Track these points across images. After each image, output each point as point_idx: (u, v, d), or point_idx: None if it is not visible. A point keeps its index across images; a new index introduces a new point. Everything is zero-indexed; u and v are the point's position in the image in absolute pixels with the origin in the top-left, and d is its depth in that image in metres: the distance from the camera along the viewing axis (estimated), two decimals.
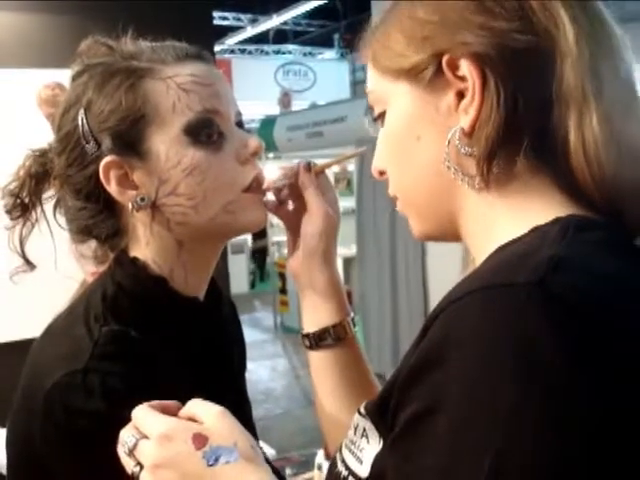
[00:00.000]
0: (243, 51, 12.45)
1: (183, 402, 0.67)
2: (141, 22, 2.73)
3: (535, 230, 0.57)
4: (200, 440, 0.60)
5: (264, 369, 6.44)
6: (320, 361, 0.88)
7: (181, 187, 0.79)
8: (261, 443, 2.46)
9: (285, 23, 11.70)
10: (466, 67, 0.58)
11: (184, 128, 0.78)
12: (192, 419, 0.64)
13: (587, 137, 0.57)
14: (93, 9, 2.88)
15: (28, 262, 0.92)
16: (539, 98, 0.57)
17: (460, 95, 0.60)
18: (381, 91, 0.67)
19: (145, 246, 0.83)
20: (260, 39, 12.32)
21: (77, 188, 0.82)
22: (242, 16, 11.56)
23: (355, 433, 0.59)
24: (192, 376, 0.81)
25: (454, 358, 0.49)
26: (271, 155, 8.31)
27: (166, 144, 0.78)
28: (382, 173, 0.71)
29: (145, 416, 0.63)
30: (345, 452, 0.60)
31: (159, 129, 0.78)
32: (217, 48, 11.59)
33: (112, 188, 0.79)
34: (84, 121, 0.79)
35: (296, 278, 0.89)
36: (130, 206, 0.79)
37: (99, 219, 0.83)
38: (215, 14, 10.48)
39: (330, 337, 0.87)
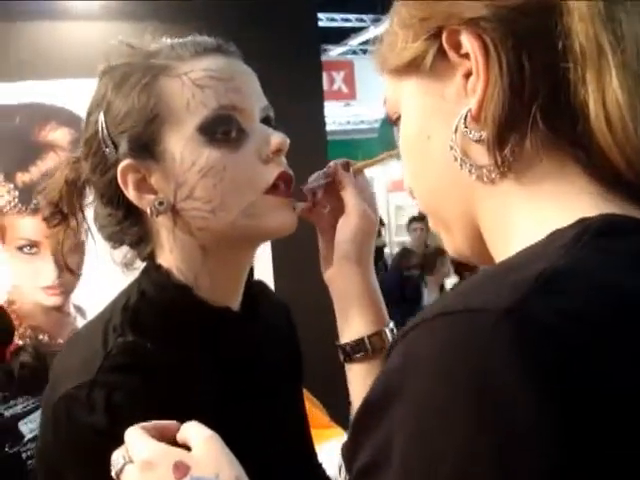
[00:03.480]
0: (365, 51, 12.41)
1: (199, 419, 0.63)
2: (243, 25, 2.77)
3: (552, 235, 0.47)
4: (181, 469, 0.57)
5: None
6: (356, 374, 0.81)
7: (197, 190, 0.74)
8: None
9: None
10: (466, 39, 0.50)
11: (198, 127, 0.74)
12: (186, 443, 0.60)
13: (608, 98, 0.47)
14: (191, 14, 2.92)
15: (71, 271, 0.92)
16: (547, 59, 0.48)
17: (468, 76, 0.52)
18: (394, 95, 0.60)
19: (169, 253, 0.79)
20: None
21: (101, 193, 0.80)
22: (364, 17, 11.55)
23: (340, 474, 0.52)
24: (214, 391, 0.76)
25: (402, 403, 0.41)
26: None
27: (181, 144, 0.74)
28: (412, 191, 0.63)
29: (134, 439, 0.60)
30: None
31: (174, 129, 0.74)
32: (340, 50, 11.65)
33: (130, 193, 0.76)
34: (103, 124, 0.76)
35: (330, 284, 0.83)
36: (149, 211, 0.76)
37: (125, 225, 0.80)
38: (337, 16, 10.53)
39: (366, 349, 0.80)
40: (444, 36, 0.52)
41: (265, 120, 0.80)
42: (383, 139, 9.24)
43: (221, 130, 0.74)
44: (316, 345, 1.63)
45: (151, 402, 0.69)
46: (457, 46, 0.51)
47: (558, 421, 0.36)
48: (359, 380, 0.81)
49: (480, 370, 0.38)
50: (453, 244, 0.60)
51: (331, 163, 0.84)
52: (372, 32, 11.38)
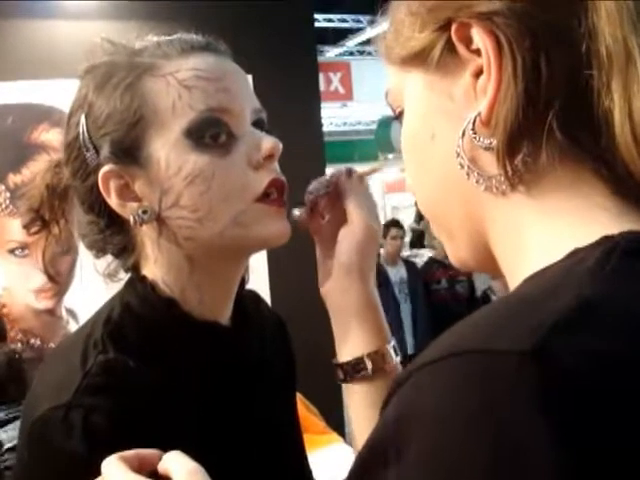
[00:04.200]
0: (362, 52, 12.36)
1: (183, 444, 0.58)
2: (240, 26, 2.74)
3: (574, 255, 0.42)
4: None
5: None
6: (356, 395, 0.76)
7: (184, 198, 0.70)
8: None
9: None
10: (478, 35, 0.45)
11: (185, 130, 0.69)
12: (167, 475, 0.55)
13: (635, 108, 0.42)
14: (187, 14, 2.88)
15: (52, 279, 0.87)
16: (567, 62, 0.44)
17: (478, 75, 0.47)
18: (398, 87, 0.55)
19: (154, 264, 0.74)
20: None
21: (82, 200, 0.75)
22: (361, 17, 11.49)
23: None
24: (202, 412, 0.72)
25: (405, 460, 0.35)
26: (390, 156, 8.25)
27: (166, 149, 0.69)
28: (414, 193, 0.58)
29: (111, 471, 0.55)
30: None
31: (159, 132, 0.70)
32: (337, 51, 11.60)
33: (112, 201, 0.71)
34: (84, 127, 0.72)
35: (327, 299, 0.78)
36: (132, 220, 0.71)
37: (107, 234, 0.75)
38: (334, 17, 10.49)
39: (366, 368, 0.75)
40: (453, 29, 0.47)
41: (257, 123, 0.75)
42: (380, 140, 9.23)
43: (209, 134, 0.70)
44: (313, 352, 1.58)
45: (133, 425, 0.64)
46: (467, 40, 0.47)
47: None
48: (358, 402, 0.76)
49: (500, 422, 0.33)
50: (456, 253, 0.56)
51: (334, 171, 0.80)
52: (369, 33, 11.35)
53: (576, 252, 0.42)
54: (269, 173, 0.72)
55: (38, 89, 2.90)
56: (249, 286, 0.89)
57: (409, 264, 5.35)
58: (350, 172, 0.79)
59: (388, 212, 10.14)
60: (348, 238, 0.76)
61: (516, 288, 0.44)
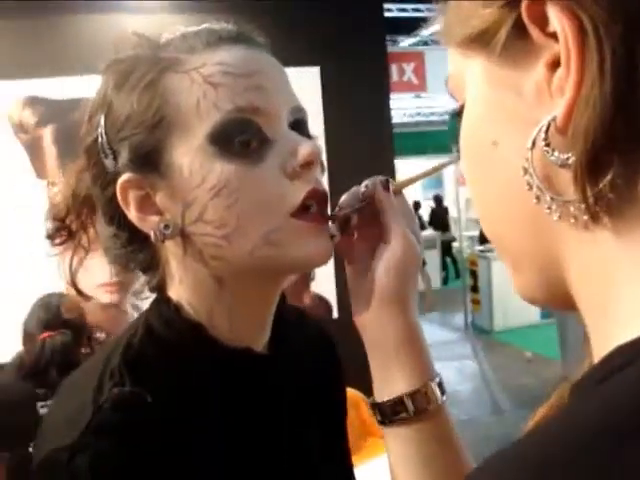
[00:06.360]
0: (436, 42, 12.08)
1: None
2: (308, 18, 2.67)
3: None
4: None
5: (451, 371, 6.16)
6: (396, 441, 0.66)
7: (208, 212, 0.61)
8: None
9: None
10: (555, 14, 0.35)
11: (209, 134, 0.60)
12: None
13: None
14: (252, 7, 2.81)
15: (81, 294, 0.81)
16: None
17: (555, 66, 0.36)
18: (458, 74, 0.44)
19: (179, 284, 0.66)
20: None
21: (103, 211, 0.68)
22: (436, 7, 11.19)
23: None
24: (229, 453, 0.63)
25: None
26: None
27: (190, 156, 0.61)
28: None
29: None
30: None
31: (182, 137, 0.61)
32: (411, 40, 11.40)
33: (132, 213, 0.63)
34: (103, 130, 0.64)
35: (363, 331, 0.68)
36: (153, 235, 0.63)
37: (130, 250, 0.68)
38: (407, 6, 10.30)
39: (407, 409, 0.65)
40: (524, 5, 0.36)
41: (296, 125, 0.65)
42: (453, 132, 8.99)
43: (238, 139, 0.60)
44: None
45: (147, 472, 0.56)
46: (542, 21, 0.36)
47: None
48: (399, 450, 0.66)
49: None
50: (523, 285, 0.44)
51: (368, 182, 0.69)
52: None
53: None
54: (307, 183, 0.63)
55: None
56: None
57: None
58: (387, 183, 0.69)
59: (462, 204, 9.88)
60: (385, 259, 0.66)
61: (604, 366, 0.33)
